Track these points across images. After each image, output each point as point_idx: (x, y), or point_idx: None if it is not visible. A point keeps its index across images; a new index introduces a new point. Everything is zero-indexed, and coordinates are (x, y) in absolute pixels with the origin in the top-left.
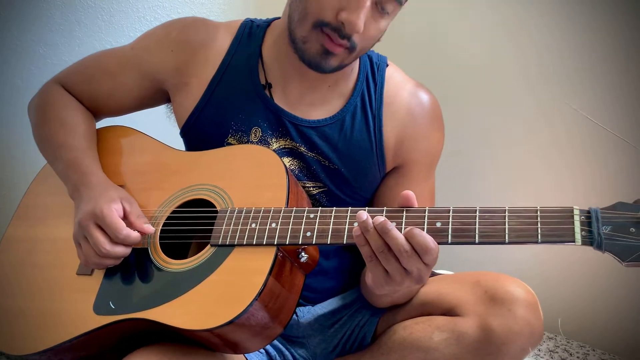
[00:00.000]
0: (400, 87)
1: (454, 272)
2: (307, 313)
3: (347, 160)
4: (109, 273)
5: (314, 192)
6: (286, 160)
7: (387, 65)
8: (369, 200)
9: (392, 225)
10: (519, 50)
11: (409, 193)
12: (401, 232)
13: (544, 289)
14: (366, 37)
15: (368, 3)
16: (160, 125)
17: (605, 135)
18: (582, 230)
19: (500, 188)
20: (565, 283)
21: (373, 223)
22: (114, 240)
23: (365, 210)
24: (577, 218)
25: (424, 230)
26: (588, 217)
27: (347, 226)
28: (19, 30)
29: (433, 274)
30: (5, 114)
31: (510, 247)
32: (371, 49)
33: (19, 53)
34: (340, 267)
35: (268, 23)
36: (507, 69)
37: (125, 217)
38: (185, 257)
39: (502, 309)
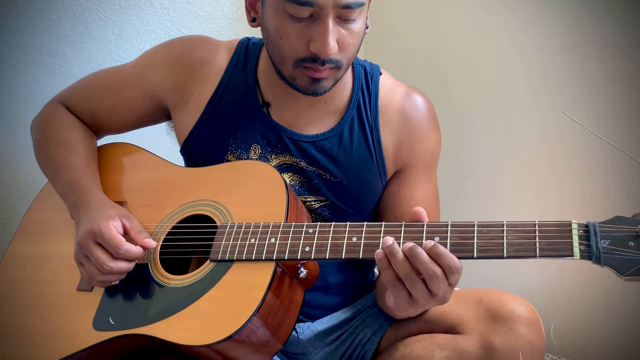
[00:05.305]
0: (392, 92)
1: (457, 288)
2: (307, 329)
3: (349, 173)
4: (109, 289)
5: (316, 206)
6: (286, 176)
7: (380, 74)
8: (372, 211)
9: (420, 249)
10: (523, 64)
11: (420, 210)
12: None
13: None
14: (346, 49)
15: (331, 25)
16: (161, 142)
17: (604, 148)
18: (580, 244)
19: (498, 201)
20: (568, 299)
21: (402, 249)
22: (115, 256)
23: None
24: (575, 232)
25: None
26: (586, 231)
27: (345, 241)
28: (29, 41)
29: None
30: (13, 123)
31: (514, 263)
32: (364, 59)
33: (28, 64)
34: (340, 282)
35: (263, 43)
36: (509, 84)
37: (126, 234)
38: (185, 273)
39: (503, 327)
